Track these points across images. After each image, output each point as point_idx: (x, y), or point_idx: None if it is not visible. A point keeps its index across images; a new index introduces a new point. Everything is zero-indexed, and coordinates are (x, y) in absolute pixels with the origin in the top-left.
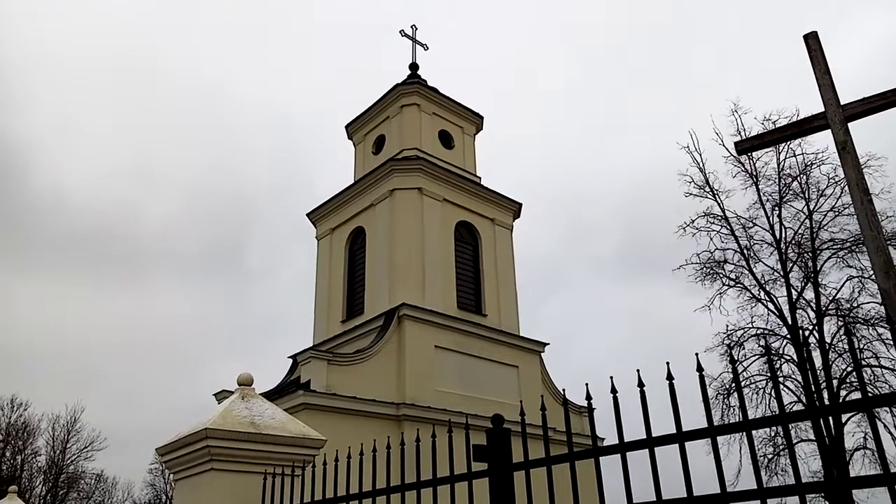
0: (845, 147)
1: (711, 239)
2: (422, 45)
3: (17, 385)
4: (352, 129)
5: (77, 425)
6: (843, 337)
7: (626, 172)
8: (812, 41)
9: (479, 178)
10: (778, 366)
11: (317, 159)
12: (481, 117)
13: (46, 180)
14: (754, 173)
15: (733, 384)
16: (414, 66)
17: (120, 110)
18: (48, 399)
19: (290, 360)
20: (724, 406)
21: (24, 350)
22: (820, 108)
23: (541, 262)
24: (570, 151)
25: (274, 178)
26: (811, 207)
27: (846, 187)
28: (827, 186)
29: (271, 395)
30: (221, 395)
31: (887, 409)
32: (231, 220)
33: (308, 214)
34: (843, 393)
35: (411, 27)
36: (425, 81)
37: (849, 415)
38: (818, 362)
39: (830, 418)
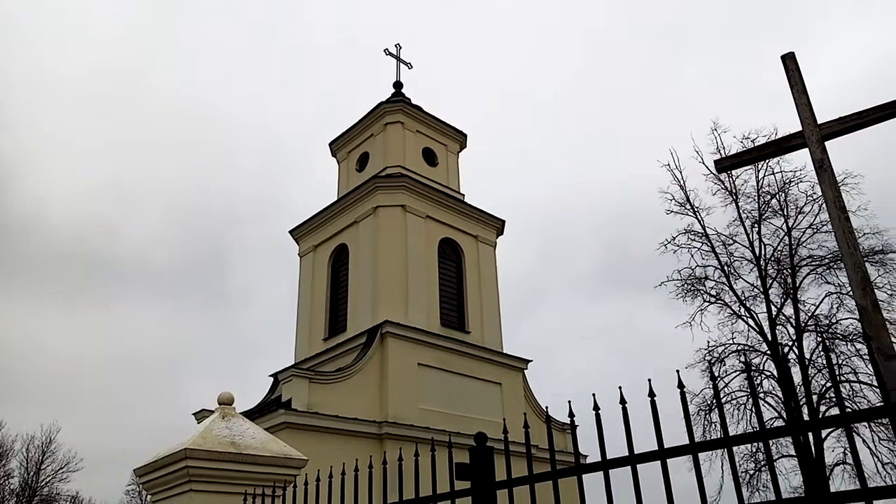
0: (822, 165)
1: (692, 256)
2: (406, 63)
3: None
4: (335, 146)
5: (52, 446)
6: (822, 353)
7: (604, 189)
8: (790, 62)
9: (463, 195)
10: (758, 382)
11: (298, 177)
12: (465, 135)
13: (27, 199)
14: (734, 191)
15: (714, 400)
16: (398, 85)
17: (101, 126)
18: (22, 419)
19: (272, 379)
20: (706, 422)
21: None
22: (797, 127)
23: (519, 278)
24: (548, 168)
25: (254, 196)
26: (790, 224)
27: (824, 204)
28: (805, 204)
29: (252, 415)
30: (201, 415)
31: (865, 424)
32: (211, 238)
33: (291, 231)
34: (822, 408)
35: (395, 46)
36: (409, 100)
37: (828, 430)
38: (798, 378)
39: (810, 434)
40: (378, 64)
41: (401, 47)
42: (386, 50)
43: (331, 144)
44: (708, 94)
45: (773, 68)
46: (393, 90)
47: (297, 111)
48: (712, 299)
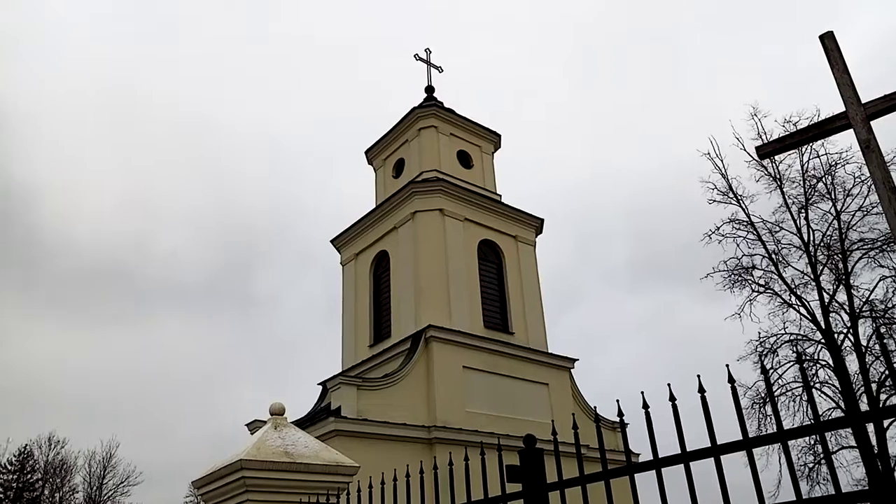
0: (869, 146)
1: (738, 245)
2: (437, 67)
3: (48, 424)
4: (371, 153)
5: (112, 461)
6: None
7: (636, 180)
8: (828, 41)
9: (500, 195)
10: (814, 371)
11: (319, 184)
12: (499, 135)
13: (49, 220)
14: (778, 177)
15: (767, 394)
16: (430, 89)
17: (120, 145)
18: (79, 437)
19: (312, 384)
20: (761, 415)
21: (50, 390)
22: (840, 108)
23: (554, 275)
24: (576, 161)
25: (277, 205)
26: (838, 208)
27: (873, 186)
28: (853, 186)
29: (303, 423)
30: (254, 426)
31: None
32: (238, 249)
33: (332, 241)
34: (883, 396)
35: (425, 51)
36: (441, 103)
37: (890, 419)
38: (855, 366)
39: (871, 424)
40: (394, 67)
41: (430, 52)
42: (416, 55)
43: (366, 152)
44: (741, 79)
45: (811, 47)
46: (425, 95)
47: (309, 119)
48: (761, 289)
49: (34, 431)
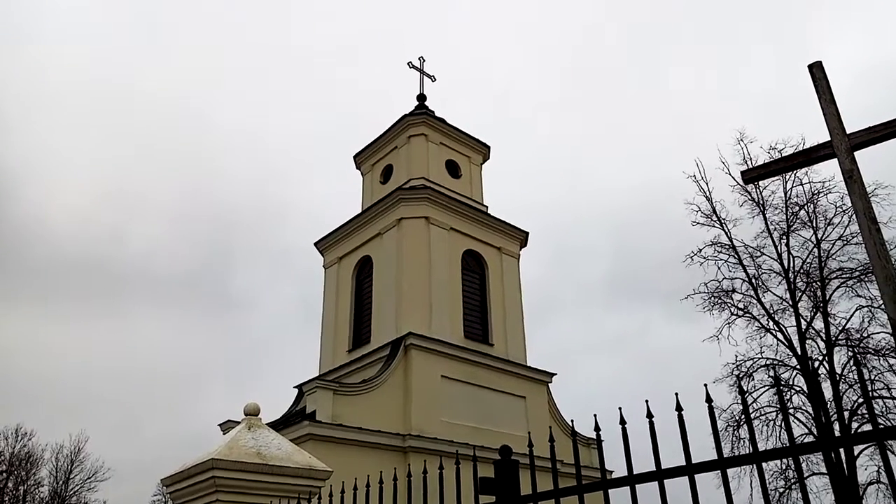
0: (852, 176)
1: (719, 268)
2: (429, 76)
3: (15, 416)
4: (359, 158)
5: (80, 455)
6: (854, 368)
7: (615, 197)
8: (817, 71)
9: (486, 206)
10: (788, 397)
11: (306, 187)
12: (488, 147)
13: (29, 208)
14: (761, 202)
15: (743, 416)
16: (421, 97)
17: (100, 137)
18: (46, 430)
19: (284, 386)
20: (734, 438)
21: (19, 381)
22: (825, 137)
23: (532, 287)
24: (557, 176)
25: (258, 204)
26: (819, 236)
27: (854, 216)
28: (834, 215)
29: (277, 426)
30: (227, 426)
31: None
32: (212, 246)
33: (316, 243)
34: (854, 425)
35: (419, 59)
36: (433, 112)
37: (861, 447)
38: (829, 393)
39: (842, 451)
40: (379, 75)
41: (424, 60)
42: (409, 63)
43: (355, 157)
44: (726, 103)
45: (791, 75)
46: (416, 102)
47: (297, 121)
48: (740, 312)
49: (0, 423)
